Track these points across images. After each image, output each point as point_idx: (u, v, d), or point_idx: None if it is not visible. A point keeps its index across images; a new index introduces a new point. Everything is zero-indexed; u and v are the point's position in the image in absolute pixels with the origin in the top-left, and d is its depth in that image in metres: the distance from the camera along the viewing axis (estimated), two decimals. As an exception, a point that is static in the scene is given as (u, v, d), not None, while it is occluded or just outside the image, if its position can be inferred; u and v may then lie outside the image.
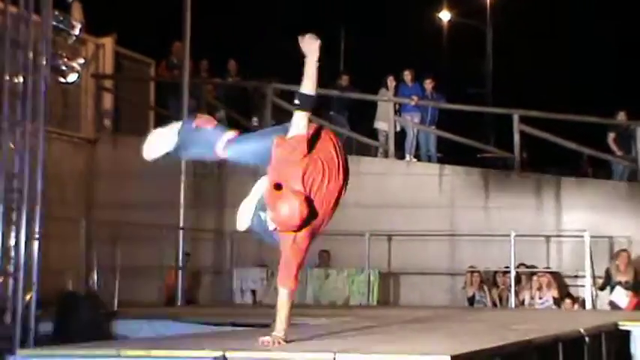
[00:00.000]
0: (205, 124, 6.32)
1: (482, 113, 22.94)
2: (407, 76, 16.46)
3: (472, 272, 14.14)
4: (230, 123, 16.13)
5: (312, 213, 5.77)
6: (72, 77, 12.13)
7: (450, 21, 28.54)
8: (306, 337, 6.34)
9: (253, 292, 14.39)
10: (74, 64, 12.05)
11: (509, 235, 13.52)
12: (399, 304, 14.36)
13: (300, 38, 5.90)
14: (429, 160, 16.04)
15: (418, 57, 21.32)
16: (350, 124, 16.52)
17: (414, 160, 15.96)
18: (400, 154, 16.05)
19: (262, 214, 6.10)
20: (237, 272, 14.50)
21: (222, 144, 6.14)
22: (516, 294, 13.71)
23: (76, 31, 12.04)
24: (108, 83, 16.34)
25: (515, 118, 15.41)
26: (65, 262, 12.93)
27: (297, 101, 5.92)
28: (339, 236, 13.10)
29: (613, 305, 13.39)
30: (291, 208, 5.68)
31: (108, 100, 16.15)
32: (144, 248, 13.37)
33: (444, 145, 16.73)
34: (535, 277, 13.92)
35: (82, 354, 5.62)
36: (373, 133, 16.50)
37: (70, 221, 12.96)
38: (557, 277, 14.09)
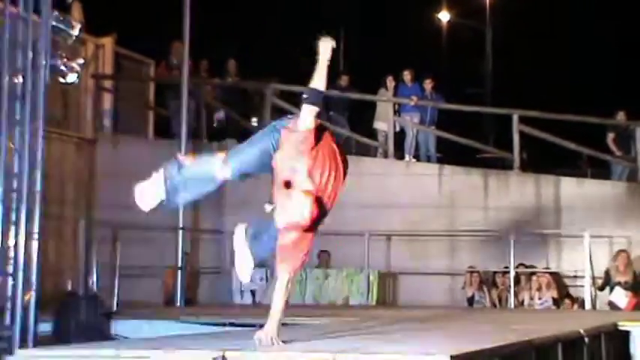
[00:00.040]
0: (188, 160, 6.21)
1: (482, 113, 22.95)
2: (406, 76, 16.47)
3: (471, 272, 14.14)
4: (229, 123, 16.17)
5: (321, 211, 5.78)
6: (71, 77, 12.11)
7: (449, 21, 28.53)
8: (306, 337, 6.34)
9: (253, 292, 14.39)
10: (74, 65, 12.03)
11: (508, 236, 13.53)
12: (399, 305, 14.36)
13: (319, 38, 5.98)
14: (429, 160, 16.05)
15: (417, 57, 21.32)
16: (349, 124, 16.53)
17: (414, 160, 15.97)
18: (400, 155, 16.06)
19: (265, 237, 6.11)
20: (236, 272, 14.46)
21: (220, 165, 6.03)
22: (516, 294, 13.71)
23: (76, 32, 12.01)
24: (107, 83, 16.33)
25: (515, 118, 15.42)
26: (64, 262, 12.96)
27: (305, 95, 5.93)
28: (338, 236, 13.10)
29: (612, 305, 13.39)
30: (301, 208, 5.66)
31: (107, 100, 16.15)
32: (143, 248, 13.37)
33: (444, 146, 16.73)
34: (534, 278, 13.92)
35: (81, 354, 5.62)
36: (373, 134, 16.51)
37: (69, 221, 12.99)
38: (557, 278, 14.09)
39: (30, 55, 10.62)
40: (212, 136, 15.79)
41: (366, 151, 16.28)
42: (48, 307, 10.71)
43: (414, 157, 16.04)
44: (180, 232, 13.45)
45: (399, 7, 26.32)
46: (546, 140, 15.70)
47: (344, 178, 6.00)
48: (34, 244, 10.40)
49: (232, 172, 6.03)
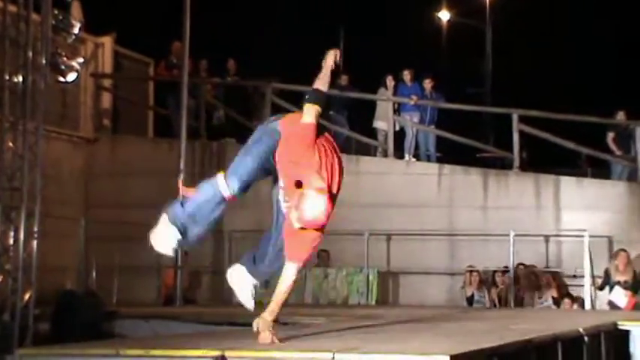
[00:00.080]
0: (190, 192, 6.14)
1: (482, 113, 22.95)
2: (406, 75, 16.46)
3: (471, 272, 14.13)
4: (229, 123, 16.16)
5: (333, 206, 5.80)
6: (71, 76, 12.14)
7: (449, 21, 28.53)
8: (305, 336, 6.34)
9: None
10: (73, 63, 12.06)
11: (508, 235, 13.54)
12: (398, 304, 14.35)
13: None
14: (428, 159, 16.04)
15: (417, 56, 21.33)
16: (349, 123, 16.52)
17: (413, 159, 15.96)
18: (399, 154, 16.05)
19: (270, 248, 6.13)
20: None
21: (222, 185, 5.98)
22: (515, 294, 13.70)
23: (76, 30, 12.04)
24: (107, 82, 16.33)
25: (515, 117, 15.41)
26: (64, 261, 12.95)
27: (307, 96, 6.02)
28: (338, 236, 13.10)
29: (612, 305, 13.38)
30: (318, 207, 5.66)
31: (107, 100, 16.15)
32: (142, 247, 13.31)
33: (443, 145, 16.72)
34: (534, 277, 13.92)
35: (80, 353, 5.61)
36: (372, 133, 16.50)
37: (68, 220, 12.97)
38: (557, 277, 14.09)
39: (30, 54, 10.63)
40: (211, 135, 15.78)
41: (366, 151, 16.28)
42: (47, 306, 10.71)
43: (414, 156, 16.03)
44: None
45: (399, 7, 26.34)
46: (546, 140, 15.69)
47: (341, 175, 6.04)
48: (34, 243, 10.41)
49: (237, 187, 5.99)
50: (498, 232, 13.93)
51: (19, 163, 10.42)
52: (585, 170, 18.64)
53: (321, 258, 14.53)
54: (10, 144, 10.43)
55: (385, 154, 15.92)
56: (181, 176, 13.39)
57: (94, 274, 12.94)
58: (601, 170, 17.09)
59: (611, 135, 15.73)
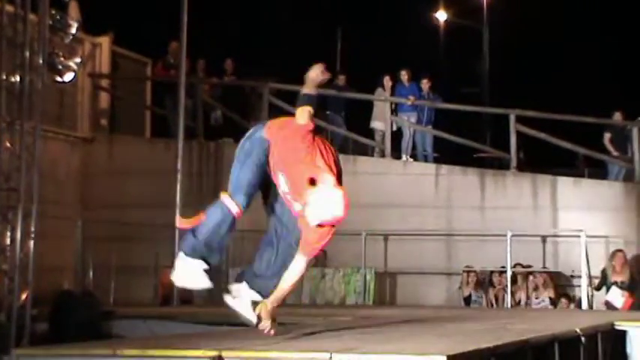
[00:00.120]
0: (198, 221, 6.22)
1: (479, 113, 22.90)
2: (403, 76, 16.46)
3: (468, 272, 14.14)
4: (227, 122, 16.16)
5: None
6: (68, 76, 12.14)
7: (446, 21, 28.50)
8: (303, 336, 6.34)
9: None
10: (71, 63, 12.06)
11: (505, 235, 13.54)
12: (395, 304, 14.36)
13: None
14: (426, 159, 16.05)
15: (415, 57, 21.33)
16: (346, 123, 16.53)
17: (411, 159, 15.96)
18: (397, 154, 16.05)
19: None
20: (233, 272, 14.45)
21: (229, 203, 6.09)
22: (512, 294, 13.72)
23: (73, 30, 12.04)
24: (104, 82, 16.33)
25: (512, 118, 15.42)
26: (61, 261, 12.94)
27: (297, 101, 6.08)
28: (335, 236, 13.05)
29: (609, 305, 13.39)
30: (337, 202, 5.72)
31: (104, 100, 16.15)
32: (140, 247, 13.36)
33: (441, 145, 16.73)
34: (531, 277, 13.94)
35: (77, 353, 5.61)
36: (370, 133, 16.51)
37: (65, 220, 12.97)
38: (554, 277, 14.10)
39: (27, 53, 10.62)
40: (209, 135, 15.78)
41: (363, 151, 16.28)
42: (44, 306, 10.71)
43: (411, 156, 16.04)
44: (177, 231, 13.42)
45: (396, 7, 26.34)
46: (543, 140, 15.70)
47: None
48: (31, 243, 10.40)
49: (244, 201, 6.09)
50: (496, 233, 13.94)
51: (16, 163, 10.41)
52: (582, 171, 18.65)
53: (319, 258, 14.53)
54: (8, 144, 10.43)
55: (382, 155, 15.93)
56: (179, 177, 13.40)
57: (91, 273, 12.94)
58: (598, 170, 17.10)
59: (608, 135, 15.73)
